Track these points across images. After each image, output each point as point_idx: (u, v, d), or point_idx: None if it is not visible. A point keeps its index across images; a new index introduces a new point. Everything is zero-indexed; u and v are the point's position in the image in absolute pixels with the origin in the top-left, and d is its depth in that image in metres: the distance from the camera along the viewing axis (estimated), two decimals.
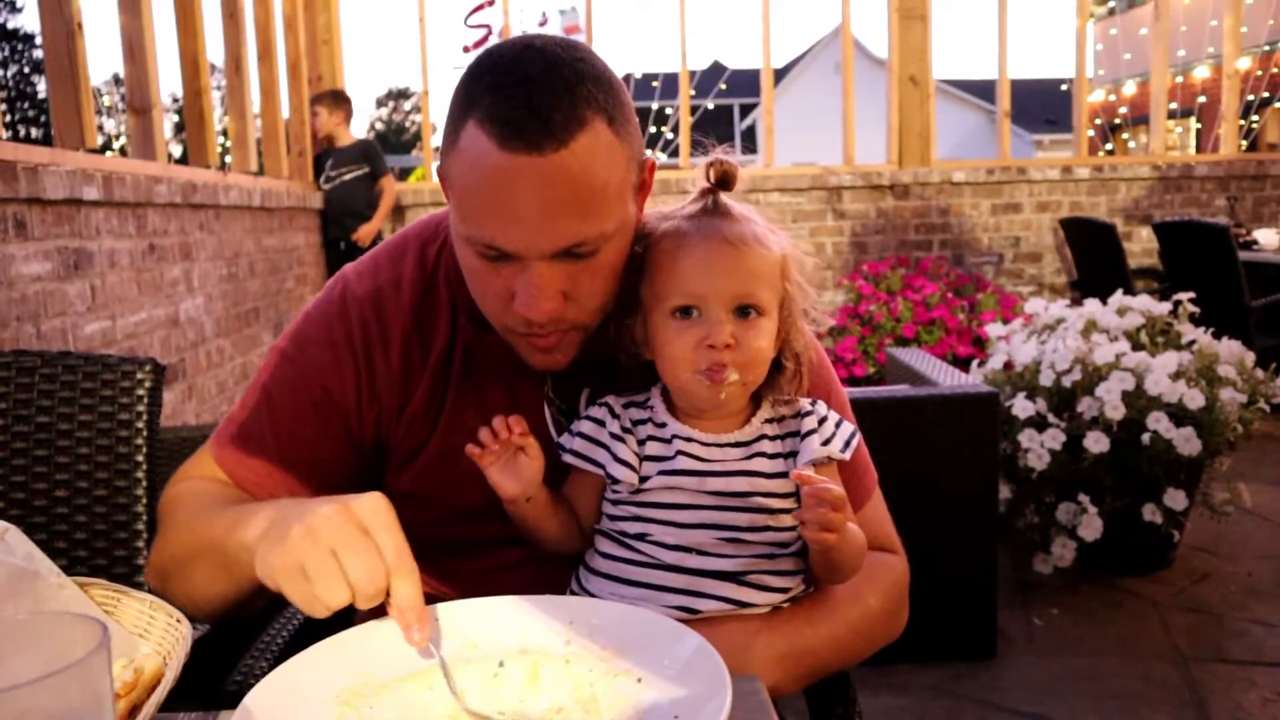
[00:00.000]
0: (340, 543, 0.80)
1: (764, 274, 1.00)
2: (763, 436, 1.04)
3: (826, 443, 1.04)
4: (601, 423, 1.05)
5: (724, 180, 1.04)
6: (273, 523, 0.87)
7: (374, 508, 0.83)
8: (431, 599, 1.00)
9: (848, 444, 1.06)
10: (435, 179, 6.60)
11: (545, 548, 1.08)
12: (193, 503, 1.10)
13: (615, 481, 1.03)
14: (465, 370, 1.11)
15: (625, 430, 1.04)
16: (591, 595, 1.03)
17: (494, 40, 6.50)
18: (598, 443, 1.04)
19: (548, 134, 0.92)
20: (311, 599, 0.81)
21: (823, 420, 1.06)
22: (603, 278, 1.01)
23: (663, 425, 1.05)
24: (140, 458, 1.49)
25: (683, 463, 1.02)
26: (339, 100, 6.25)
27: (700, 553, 1.00)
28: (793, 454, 1.04)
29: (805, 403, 1.07)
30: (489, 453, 1.00)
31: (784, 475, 1.03)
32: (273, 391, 1.12)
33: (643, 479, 1.03)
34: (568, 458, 1.05)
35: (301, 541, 0.80)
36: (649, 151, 1.11)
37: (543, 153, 0.92)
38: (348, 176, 6.11)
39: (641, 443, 1.04)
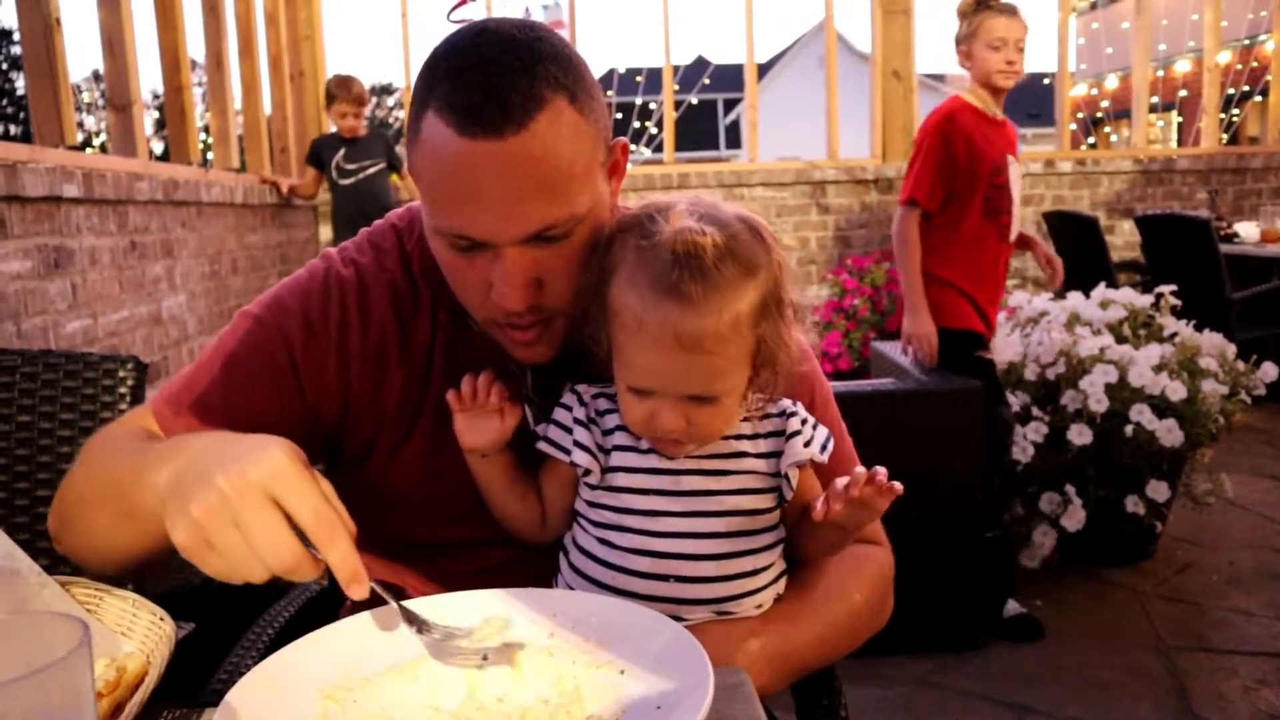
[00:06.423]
0: (244, 517, 0.75)
1: (721, 367, 0.94)
2: (741, 435, 1.03)
3: (808, 445, 1.03)
4: (569, 408, 1.04)
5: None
6: (178, 477, 0.81)
7: (274, 470, 0.76)
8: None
9: (824, 447, 1.04)
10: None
11: (505, 524, 1.07)
12: (109, 445, 1.03)
13: (586, 472, 1.02)
14: (447, 366, 1.09)
15: (590, 419, 1.03)
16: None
17: None
18: (566, 428, 1.03)
19: (505, 117, 0.89)
20: (228, 574, 0.77)
21: (804, 422, 1.05)
22: (577, 261, 0.98)
23: None
24: None
25: (654, 460, 1.01)
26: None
27: (678, 577, 0.99)
28: (776, 454, 1.03)
29: (787, 402, 1.06)
30: (463, 404, 1.03)
31: (766, 474, 1.02)
32: (233, 353, 1.07)
33: (611, 469, 1.01)
34: (542, 445, 1.04)
35: (205, 519, 0.75)
36: (634, 148, 1.10)
37: (502, 136, 0.89)
38: (371, 171, 5.41)
39: (609, 433, 1.03)
